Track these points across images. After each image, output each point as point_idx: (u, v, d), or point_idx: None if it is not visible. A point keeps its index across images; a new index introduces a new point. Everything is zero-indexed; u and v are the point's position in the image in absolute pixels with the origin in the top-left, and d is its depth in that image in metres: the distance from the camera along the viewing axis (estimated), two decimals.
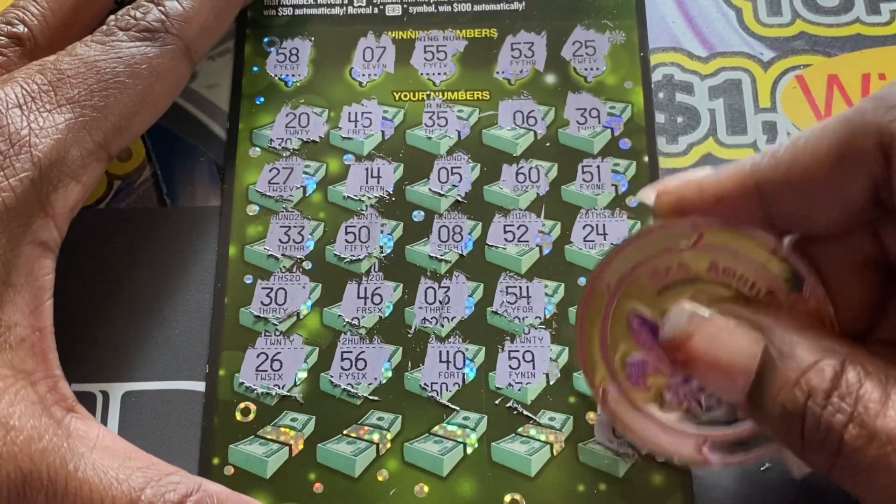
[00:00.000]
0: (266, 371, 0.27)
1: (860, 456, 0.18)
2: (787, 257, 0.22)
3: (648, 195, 0.23)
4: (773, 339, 0.20)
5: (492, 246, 0.28)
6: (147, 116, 0.26)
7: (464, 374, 0.27)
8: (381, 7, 0.32)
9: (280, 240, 0.29)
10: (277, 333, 0.27)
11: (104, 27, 0.25)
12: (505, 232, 0.28)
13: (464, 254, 0.28)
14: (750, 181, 0.21)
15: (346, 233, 0.29)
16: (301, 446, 0.26)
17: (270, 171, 0.29)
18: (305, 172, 0.29)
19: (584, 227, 0.28)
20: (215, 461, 0.26)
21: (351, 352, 0.27)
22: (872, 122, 0.19)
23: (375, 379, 0.27)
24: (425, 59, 0.31)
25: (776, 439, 0.21)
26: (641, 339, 0.23)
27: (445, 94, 0.30)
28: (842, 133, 0.20)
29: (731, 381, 0.20)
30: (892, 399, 0.18)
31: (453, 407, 0.26)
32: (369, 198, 0.29)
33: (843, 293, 0.22)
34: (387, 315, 0.28)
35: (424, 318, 0.27)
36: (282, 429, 0.26)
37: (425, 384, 0.27)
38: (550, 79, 0.30)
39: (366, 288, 0.28)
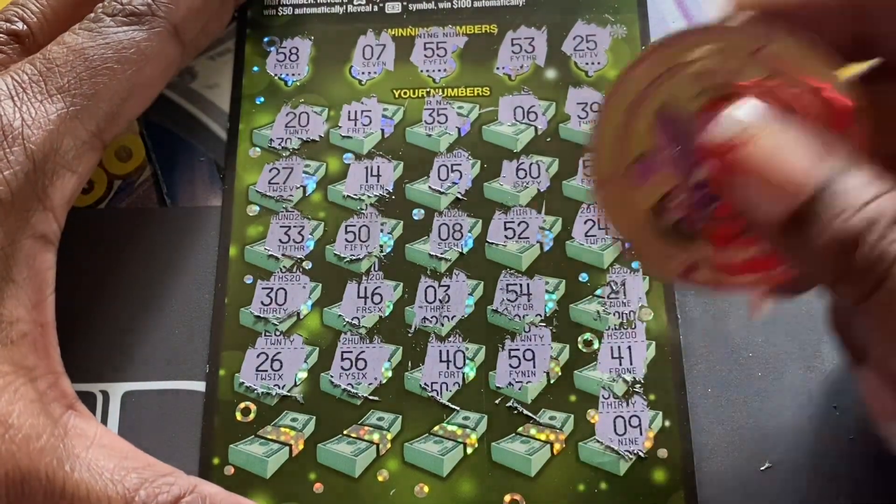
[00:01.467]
0: (266, 371, 0.27)
1: None
2: (850, 85, 0.20)
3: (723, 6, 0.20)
4: (837, 163, 0.18)
5: (492, 243, 0.28)
6: (139, 101, 0.26)
7: (464, 374, 0.26)
8: (381, 5, 0.32)
9: (280, 240, 0.28)
10: (277, 333, 0.27)
11: (91, 14, 0.25)
12: (505, 229, 0.28)
13: (464, 252, 0.28)
14: None
15: (346, 232, 0.28)
16: (301, 446, 0.26)
17: (270, 171, 0.29)
18: (305, 172, 0.29)
19: (585, 223, 0.28)
20: (215, 461, 0.26)
21: (351, 352, 0.27)
22: None
23: (375, 379, 0.27)
24: (425, 56, 0.31)
25: (806, 266, 0.19)
26: (666, 138, 0.21)
27: (445, 90, 0.30)
28: None
29: (780, 198, 0.18)
30: None
31: (453, 407, 0.26)
32: (369, 197, 0.29)
33: (889, 135, 0.20)
34: (387, 314, 0.27)
35: (424, 318, 0.27)
36: (282, 429, 0.26)
37: (425, 384, 0.26)
38: (551, 74, 0.30)
39: (366, 287, 0.28)
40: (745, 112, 0.19)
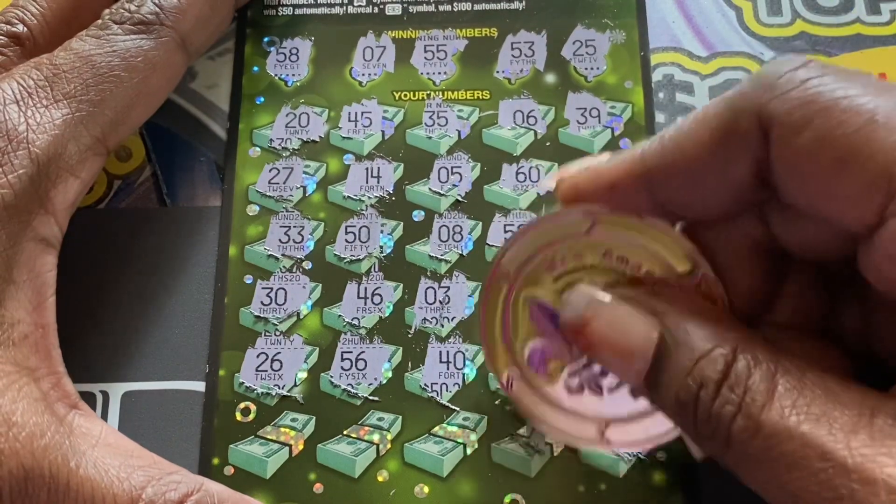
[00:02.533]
0: (266, 371, 0.27)
1: (747, 447, 0.18)
2: (678, 242, 0.22)
3: (550, 182, 0.23)
4: (668, 325, 0.20)
5: (492, 246, 0.28)
6: (144, 109, 0.26)
7: (464, 375, 0.27)
8: (381, 6, 0.32)
9: (280, 240, 0.28)
10: (277, 333, 0.27)
11: (99, 21, 0.25)
12: (505, 231, 0.28)
13: (464, 254, 0.28)
14: (640, 168, 0.21)
15: (346, 233, 0.29)
16: (301, 446, 0.26)
17: (270, 171, 0.29)
18: (305, 172, 0.29)
19: None
20: (215, 461, 0.26)
21: (351, 352, 0.27)
22: (751, 103, 0.19)
23: (375, 379, 0.27)
24: (425, 58, 0.31)
25: (674, 423, 0.21)
26: (541, 325, 0.23)
27: (445, 93, 0.30)
28: (723, 116, 0.20)
29: (630, 366, 0.20)
30: (779, 390, 0.18)
31: (453, 407, 0.26)
32: (369, 198, 0.29)
33: (734, 277, 0.22)
34: (387, 315, 0.27)
35: (424, 318, 0.27)
36: (282, 429, 0.26)
37: (425, 384, 0.27)
38: (551, 78, 0.30)
39: (366, 288, 0.28)
40: (576, 296, 0.22)
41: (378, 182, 0.29)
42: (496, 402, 0.26)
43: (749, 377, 0.18)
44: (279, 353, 0.27)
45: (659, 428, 0.22)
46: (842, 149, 0.18)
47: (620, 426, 0.23)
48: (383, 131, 0.30)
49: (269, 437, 0.26)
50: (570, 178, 0.23)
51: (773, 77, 0.19)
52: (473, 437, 0.26)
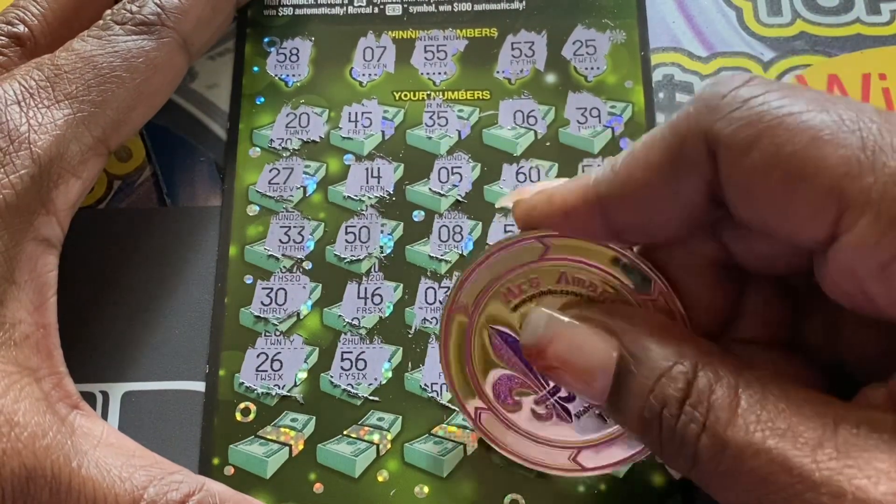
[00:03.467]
0: (266, 371, 0.27)
1: (714, 465, 0.18)
2: (632, 262, 0.22)
3: (508, 201, 0.23)
4: (627, 344, 0.20)
5: None
6: (145, 110, 0.26)
7: None
8: (382, 7, 0.32)
9: (280, 240, 0.28)
10: (277, 333, 0.27)
11: (100, 22, 0.26)
12: (505, 232, 0.28)
13: (464, 254, 0.28)
14: (592, 194, 0.21)
15: (347, 233, 0.29)
16: (301, 446, 0.26)
17: (270, 171, 0.29)
18: (305, 172, 0.29)
19: None
20: (215, 461, 0.26)
21: (351, 352, 0.27)
22: (697, 126, 0.19)
23: (375, 379, 0.27)
24: (425, 58, 0.31)
25: (641, 443, 0.21)
26: (504, 355, 0.23)
27: (446, 93, 0.30)
28: (670, 140, 0.20)
29: (592, 388, 0.20)
30: (742, 406, 0.18)
31: (453, 407, 0.26)
32: (369, 198, 0.29)
33: (693, 294, 0.22)
34: (387, 315, 0.27)
35: (424, 319, 0.27)
36: (282, 429, 0.26)
37: (425, 384, 0.27)
38: (551, 78, 0.30)
39: (366, 288, 0.28)
40: (534, 318, 0.21)
41: (378, 182, 0.29)
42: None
43: (711, 393, 0.18)
44: (279, 353, 0.27)
45: (629, 450, 0.22)
46: (790, 167, 0.18)
47: (591, 450, 0.23)
48: (383, 131, 0.30)
49: (269, 437, 0.26)
50: (525, 202, 0.22)
51: (717, 98, 0.19)
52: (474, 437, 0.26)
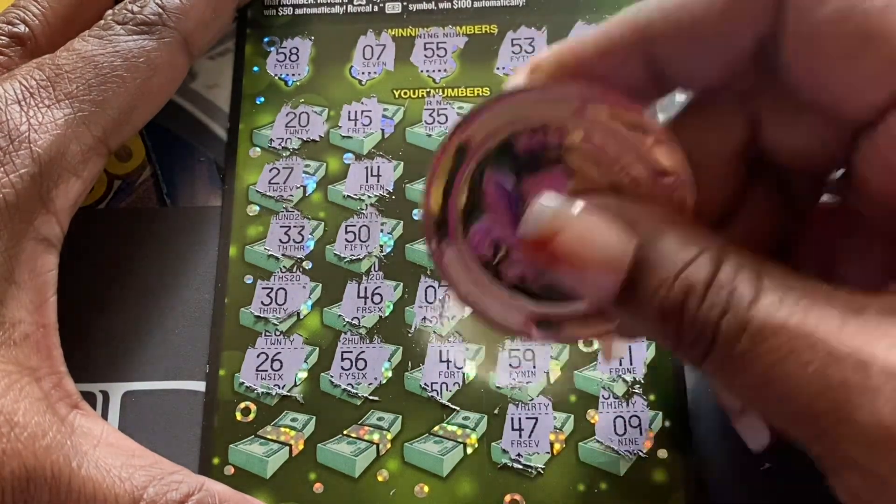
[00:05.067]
0: (266, 371, 0.27)
1: (731, 347, 0.17)
2: (661, 140, 0.20)
3: (519, 79, 0.21)
4: (646, 236, 0.19)
5: None
6: (146, 110, 0.26)
7: (464, 374, 0.27)
8: (381, 5, 0.32)
9: (280, 240, 0.28)
10: (277, 333, 0.27)
11: (101, 22, 0.26)
12: None
13: None
14: (641, 27, 0.20)
15: (346, 232, 0.28)
16: (301, 446, 0.26)
17: (270, 170, 0.29)
18: (305, 172, 0.29)
19: None
20: (215, 461, 0.26)
21: (351, 352, 0.27)
22: None
23: (375, 379, 0.27)
24: (425, 56, 0.31)
25: (648, 333, 0.20)
26: (494, 205, 0.21)
27: (446, 91, 0.30)
28: None
29: (600, 283, 0.19)
30: (766, 287, 0.17)
31: (453, 407, 0.26)
32: (369, 197, 0.29)
33: (708, 183, 0.21)
34: (387, 315, 0.27)
35: (425, 318, 0.27)
36: (282, 429, 0.26)
37: (425, 384, 0.26)
38: None
39: (366, 287, 0.28)
40: (541, 206, 0.19)
41: (378, 181, 0.29)
42: (495, 412, 0.26)
43: (736, 278, 0.18)
44: (279, 352, 0.27)
45: (588, 330, 0.21)
46: (861, 26, 0.17)
47: (546, 320, 0.21)
48: (383, 130, 0.30)
49: (269, 436, 0.26)
50: (550, 59, 0.20)
51: None
52: (473, 436, 0.26)
